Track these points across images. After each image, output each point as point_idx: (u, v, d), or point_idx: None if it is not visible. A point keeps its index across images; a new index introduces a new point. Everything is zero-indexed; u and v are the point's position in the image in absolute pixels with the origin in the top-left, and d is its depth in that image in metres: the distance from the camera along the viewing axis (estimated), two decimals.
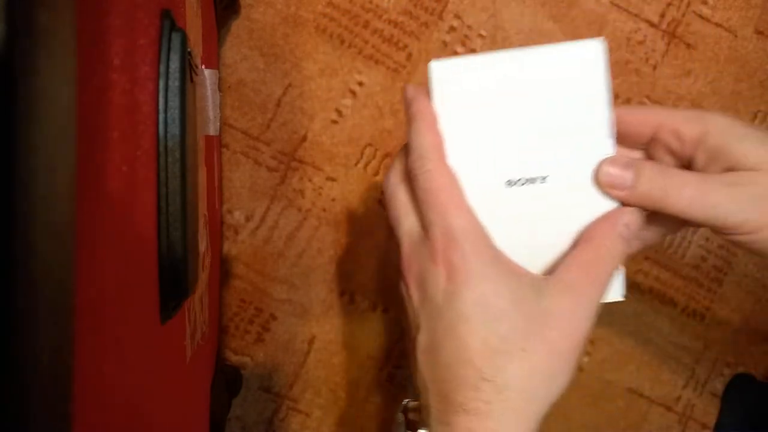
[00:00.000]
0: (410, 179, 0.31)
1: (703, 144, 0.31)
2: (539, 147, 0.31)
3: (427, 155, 0.30)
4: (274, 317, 0.60)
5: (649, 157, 0.34)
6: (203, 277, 0.43)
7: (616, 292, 0.33)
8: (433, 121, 0.31)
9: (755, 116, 0.63)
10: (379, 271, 0.61)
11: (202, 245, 0.41)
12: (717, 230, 0.31)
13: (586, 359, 0.62)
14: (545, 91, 0.31)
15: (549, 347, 0.28)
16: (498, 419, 0.28)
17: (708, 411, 0.63)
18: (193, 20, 0.40)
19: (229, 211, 0.59)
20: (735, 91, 0.63)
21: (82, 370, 0.19)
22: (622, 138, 0.33)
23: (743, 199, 0.30)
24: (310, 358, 0.60)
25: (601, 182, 0.31)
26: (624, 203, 0.31)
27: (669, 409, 0.63)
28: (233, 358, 0.60)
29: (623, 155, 0.31)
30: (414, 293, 0.31)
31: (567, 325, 0.29)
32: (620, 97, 0.62)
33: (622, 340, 0.63)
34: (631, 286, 0.63)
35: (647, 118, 0.32)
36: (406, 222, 0.32)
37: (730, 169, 0.31)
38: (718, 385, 0.63)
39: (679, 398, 0.63)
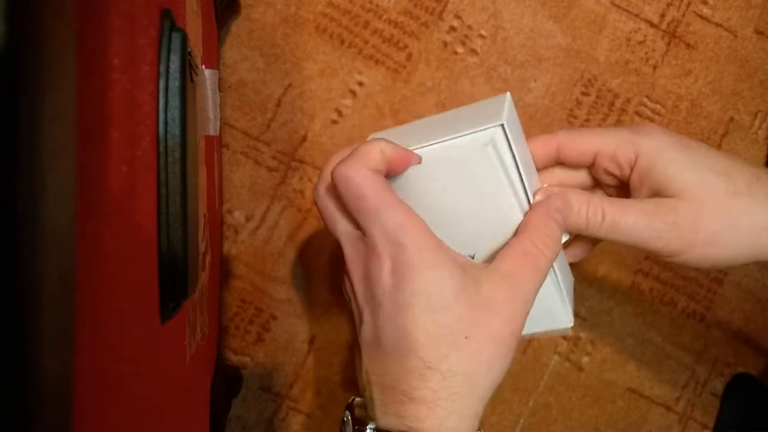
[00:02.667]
0: (333, 188, 0.32)
1: (636, 166, 0.33)
2: (462, 229, 0.33)
3: (347, 162, 0.31)
4: (274, 317, 0.60)
5: (593, 177, 0.36)
6: (203, 277, 0.43)
7: (563, 319, 0.34)
8: (348, 149, 0.32)
9: (755, 116, 0.63)
10: None
11: (202, 245, 0.41)
12: (648, 252, 0.32)
13: (586, 359, 0.62)
14: (457, 179, 0.32)
15: (491, 335, 0.29)
16: (445, 405, 0.28)
17: (708, 411, 0.63)
18: (193, 20, 0.40)
19: (229, 211, 0.59)
20: (735, 91, 0.63)
21: (82, 370, 0.19)
22: (567, 162, 0.35)
23: (660, 228, 0.31)
24: (310, 358, 0.60)
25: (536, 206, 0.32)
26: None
27: (669, 409, 0.63)
28: (233, 358, 0.60)
29: (554, 186, 0.33)
30: (358, 289, 0.31)
31: (508, 313, 0.30)
32: (620, 97, 0.62)
33: (622, 340, 0.63)
34: (631, 286, 0.63)
35: (586, 147, 0.34)
36: (341, 226, 0.32)
37: (656, 192, 0.32)
38: (718, 385, 0.63)
39: (679, 398, 0.63)
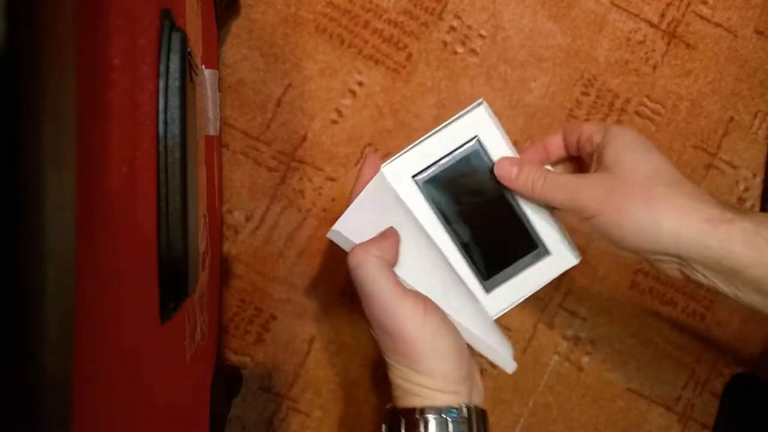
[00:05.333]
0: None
1: (599, 145, 0.39)
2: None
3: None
4: (274, 317, 0.60)
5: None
6: (203, 277, 0.43)
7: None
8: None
9: (755, 116, 0.63)
10: None
11: (202, 245, 0.41)
12: (575, 212, 0.38)
13: (586, 359, 0.62)
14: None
15: None
16: None
17: (708, 411, 0.63)
18: (193, 20, 0.40)
19: (229, 211, 0.59)
20: (735, 91, 0.63)
21: (82, 370, 0.19)
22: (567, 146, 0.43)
23: (583, 193, 0.37)
24: (310, 358, 0.60)
25: (497, 173, 0.41)
26: (511, 189, 0.41)
27: (669, 409, 0.63)
28: (233, 358, 0.60)
29: (514, 157, 0.41)
30: None
31: None
32: (620, 97, 0.62)
33: (622, 340, 0.63)
34: (631, 286, 0.63)
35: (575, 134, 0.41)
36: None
37: (603, 165, 0.38)
38: (718, 385, 0.63)
39: (679, 398, 0.63)
